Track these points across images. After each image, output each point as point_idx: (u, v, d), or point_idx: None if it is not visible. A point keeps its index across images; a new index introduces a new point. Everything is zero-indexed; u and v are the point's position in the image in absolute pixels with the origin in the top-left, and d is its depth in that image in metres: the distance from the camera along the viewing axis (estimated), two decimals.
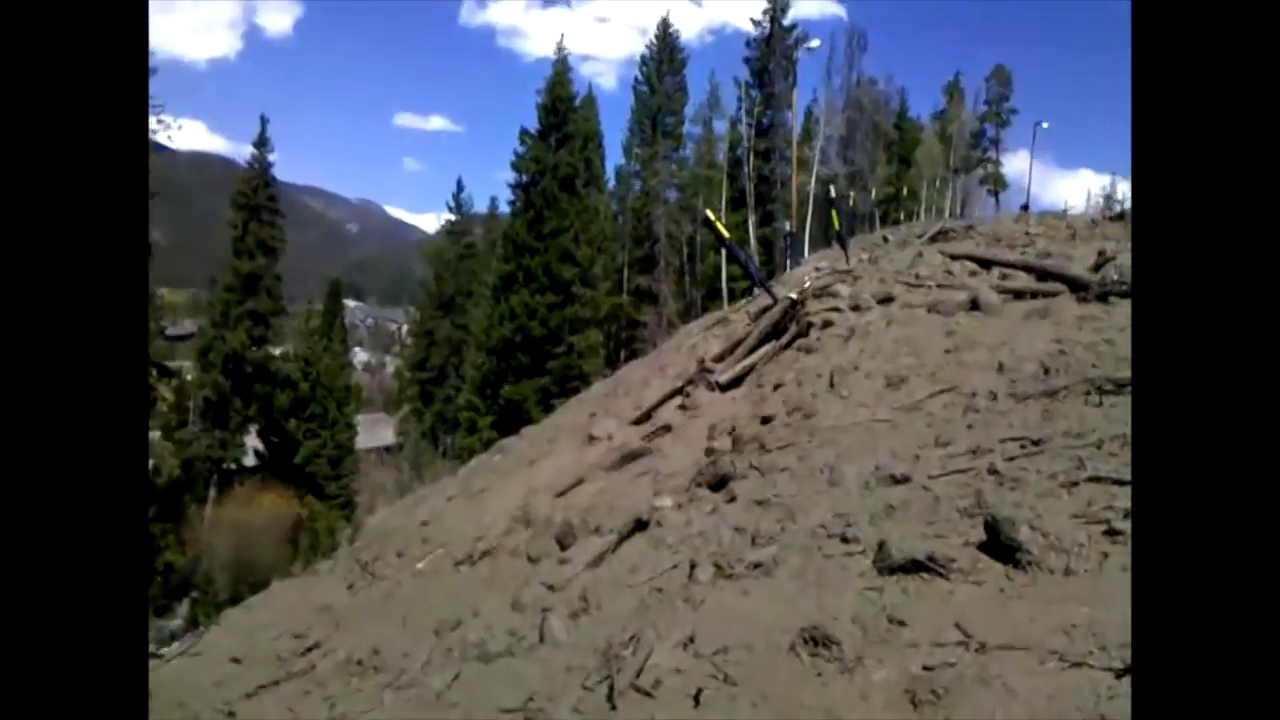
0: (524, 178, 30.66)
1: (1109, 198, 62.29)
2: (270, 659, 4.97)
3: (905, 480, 3.95)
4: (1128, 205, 51.83)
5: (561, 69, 31.49)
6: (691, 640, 2.78)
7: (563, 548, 5.41)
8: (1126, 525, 2.85)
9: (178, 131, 22.47)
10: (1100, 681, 1.93)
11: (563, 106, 30.94)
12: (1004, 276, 10.37)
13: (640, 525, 4.78)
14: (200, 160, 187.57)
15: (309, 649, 4.92)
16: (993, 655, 2.15)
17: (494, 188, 52.42)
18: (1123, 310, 7.08)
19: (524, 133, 30.86)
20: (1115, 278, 8.09)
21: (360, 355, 69.52)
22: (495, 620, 4.27)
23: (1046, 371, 5.43)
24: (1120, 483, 3.28)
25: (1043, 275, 9.41)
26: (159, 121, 21.89)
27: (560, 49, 31.71)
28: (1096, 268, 9.46)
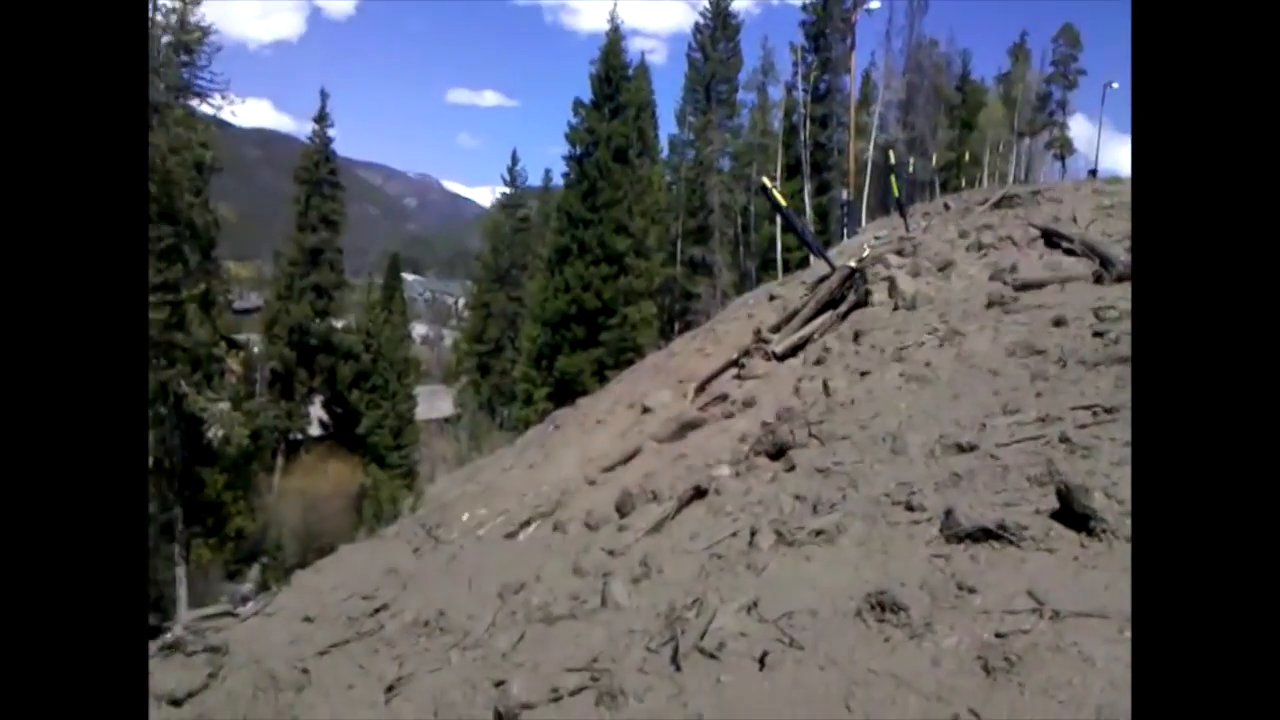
0: (578, 149, 30.59)
1: None
2: (340, 619, 5.13)
3: (972, 449, 3.87)
4: None
5: (614, 38, 31.20)
6: (755, 605, 2.78)
7: (622, 515, 5.45)
8: None
9: (241, 109, 22.98)
10: None
11: (616, 76, 30.71)
12: (1067, 251, 9.96)
13: (699, 493, 4.79)
14: (264, 137, 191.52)
15: (377, 610, 5.07)
16: (1068, 623, 2.10)
17: (549, 161, 52.58)
18: None
19: (578, 104, 30.73)
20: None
21: (419, 328, 70.50)
22: (557, 584, 4.34)
23: (1109, 338, 5.24)
24: None
25: (1093, 252, 8.91)
26: (223, 98, 22.54)
27: (613, 18, 31.40)
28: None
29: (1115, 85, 46.46)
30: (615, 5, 31.63)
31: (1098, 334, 5.38)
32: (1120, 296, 6.37)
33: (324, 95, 31.93)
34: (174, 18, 21.38)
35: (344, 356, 31.59)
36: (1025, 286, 8.12)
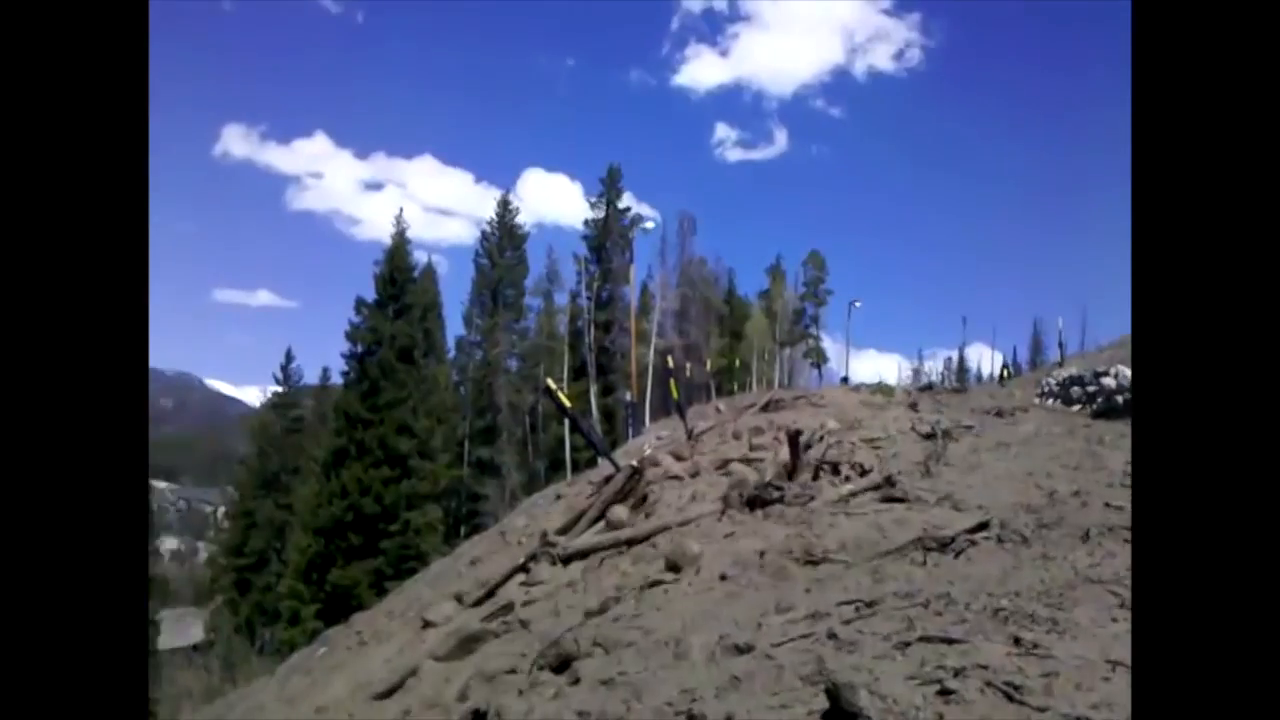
0: (359, 348, 30.04)
1: (917, 371, 68.85)
2: None
3: (749, 649, 3.92)
4: (934, 378, 57.08)
5: (399, 240, 31.93)
6: None
7: None
8: (958, 684, 2.94)
9: None
10: None
11: (401, 277, 31.10)
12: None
13: (478, 717, 4.43)
14: None
15: None
16: None
17: (327, 361, 51.66)
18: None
19: (361, 303, 30.57)
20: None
21: (169, 542, 62.68)
22: None
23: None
24: (949, 641, 3.41)
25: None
26: None
27: (398, 221, 32.31)
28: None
29: (859, 304, 53.52)
30: (401, 211, 32.66)
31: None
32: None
33: None
34: None
35: None
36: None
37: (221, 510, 60.37)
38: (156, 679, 29.46)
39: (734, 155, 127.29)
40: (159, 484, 69.44)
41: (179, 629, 37.37)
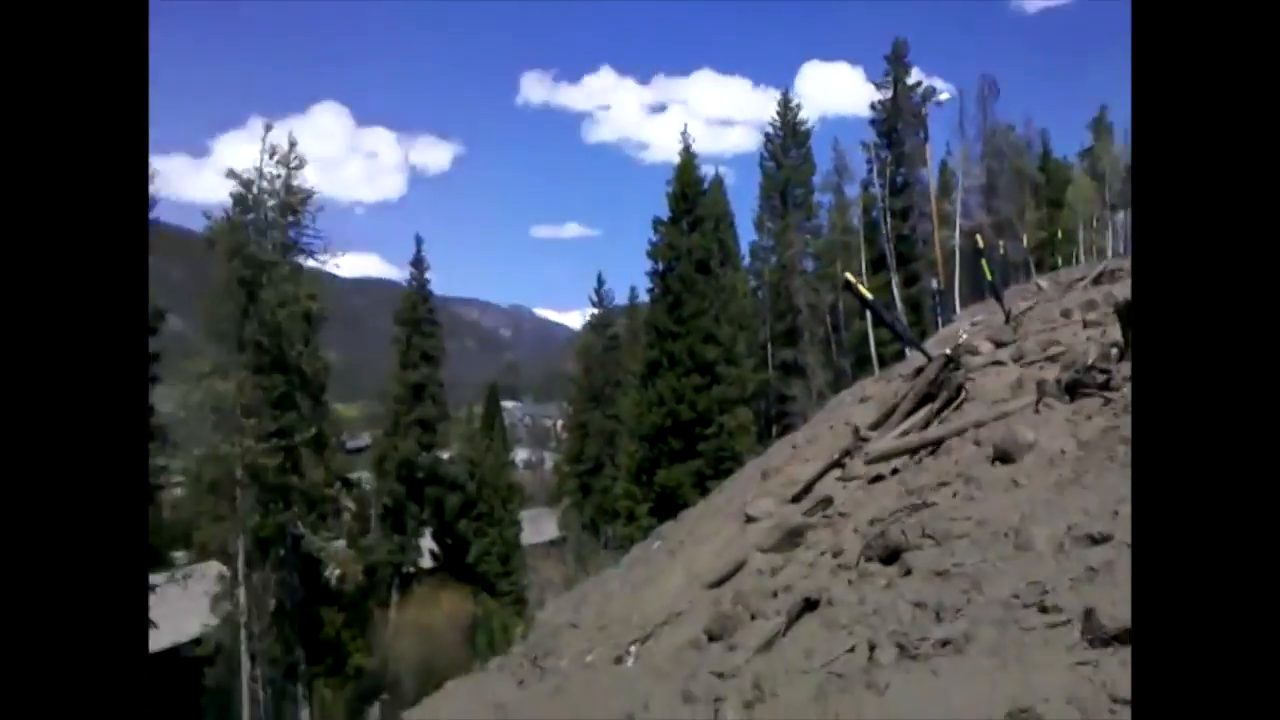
0: (660, 265, 31.46)
1: None
2: None
3: (1106, 539, 3.52)
4: None
5: (687, 157, 32.40)
6: None
7: (730, 633, 5.19)
8: None
9: (349, 262, 25.22)
10: None
11: (692, 192, 31.75)
12: None
13: (810, 605, 4.51)
14: (369, 285, 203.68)
15: None
16: None
17: (633, 280, 55.57)
18: None
19: (658, 222, 31.81)
20: None
21: (521, 453, 71.68)
22: (667, 711, 4.11)
23: None
24: None
25: None
26: (328, 253, 24.40)
27: (684, 137, 32.71)
28: None
29: None
30: (686, 127, 33.01)
31: None
32: None
33: (419, 241, 34.24)
34: (279, 182, 23.42)
35: (450, 487, 32.31)
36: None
37: (560, 423, 67.82)
38: (523, 569, 34.36)
39: (1034, 4, 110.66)
40: (507, 404, 79.52)
41: (536, 527, 43.03)
